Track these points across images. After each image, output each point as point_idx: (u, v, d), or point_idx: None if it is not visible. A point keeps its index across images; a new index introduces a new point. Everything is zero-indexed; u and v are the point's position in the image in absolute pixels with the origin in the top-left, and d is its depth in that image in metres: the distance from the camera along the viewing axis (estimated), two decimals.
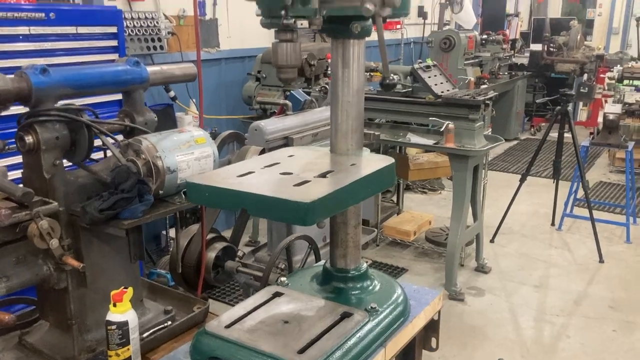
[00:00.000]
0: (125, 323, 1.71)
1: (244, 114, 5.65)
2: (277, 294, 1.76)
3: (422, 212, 5.60)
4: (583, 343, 3.76)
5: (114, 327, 1.70)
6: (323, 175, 1.48)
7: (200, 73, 2.23)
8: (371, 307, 1.66)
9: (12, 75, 1.70)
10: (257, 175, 1.49)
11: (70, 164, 1.86)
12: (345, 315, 1.63)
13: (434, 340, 1.98)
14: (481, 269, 4.76)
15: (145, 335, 1.99)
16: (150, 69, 2.06)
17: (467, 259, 4.93)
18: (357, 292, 1.78)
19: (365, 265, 1.84)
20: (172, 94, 4.68)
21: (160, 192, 1.82)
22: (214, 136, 4.98)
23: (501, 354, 3.53)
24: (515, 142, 9.35)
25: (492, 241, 5.33)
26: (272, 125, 2.63)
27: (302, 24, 1.38)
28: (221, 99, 5.61)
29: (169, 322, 2.07)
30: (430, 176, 5.52)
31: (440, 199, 6.47)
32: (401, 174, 5.34)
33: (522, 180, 5.26)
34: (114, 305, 1.71)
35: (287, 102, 2.90)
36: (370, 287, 1.80)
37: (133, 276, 2.07)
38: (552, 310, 4.16)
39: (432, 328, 1.97)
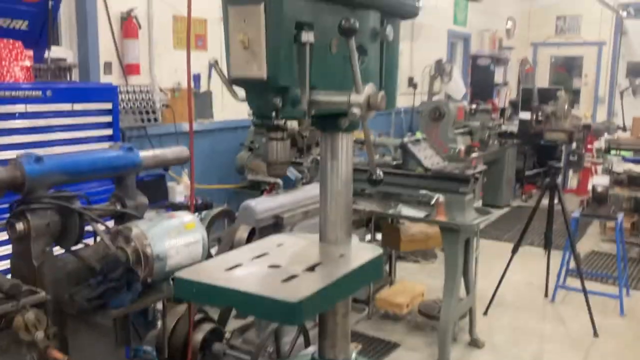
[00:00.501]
0: None
1: (235, 183, 5.69)
2: None
3: (415, 283, 5.56)
4: None
5: None
6: (311, 269, 1.48)
7: (192, 153, 2.27)
8: None
9: (6, 166, 1.72)
10: (245, 268, 1.50)
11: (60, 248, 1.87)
12: None
13: None
14: (475, 344, 4.69)
15: None
16: (142, 153, 2.10)
17: (461, 333, 4.86)
18: None
19: (354, 355, 1.81)
20: None
21: (149, 279, 1.81)
22: (204, 206, 5.00)
23: None
24: (506, 209, 9.40)
25: (485, 314, 5.27)
26: (263, 205, 2.66)
27: (291, 124, 1.42)
28: (213, 168, 5.67)
29: None
30: (422, 247, 5.52)
31: (433, 269, 6.43)
32: (393, 244, 5.34)
33: (514, 252, 5.26)
34: None
35: (278, 180, 2.94)
36: None
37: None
38: None
39: None
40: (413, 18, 1.80)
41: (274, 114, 1.38)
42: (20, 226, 1.73)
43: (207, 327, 2.59)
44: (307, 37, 1.37)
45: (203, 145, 5.52)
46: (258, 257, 1.59)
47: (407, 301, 5.06)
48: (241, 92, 1.46)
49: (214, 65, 1.48)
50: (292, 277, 1.43)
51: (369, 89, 1.39)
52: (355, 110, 1.35)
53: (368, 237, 5.31)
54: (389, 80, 1.76)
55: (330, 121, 1.62)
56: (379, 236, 5.71)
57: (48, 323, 1.72)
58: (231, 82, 1.39)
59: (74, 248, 1.90)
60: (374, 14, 1.62)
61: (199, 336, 2.55)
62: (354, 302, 3.19)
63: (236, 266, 1.51)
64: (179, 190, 4.88)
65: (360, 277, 1.54)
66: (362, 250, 1.66)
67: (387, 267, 5.88)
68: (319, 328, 1.78)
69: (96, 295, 1.66)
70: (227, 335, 2.61)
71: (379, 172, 1.51)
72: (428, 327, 4.98)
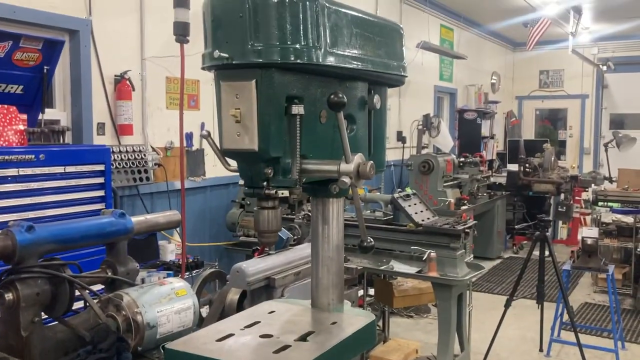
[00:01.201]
0: None
1: (227, 240, 5.67)
2: None
3: (409, 339, 5.49)
4: None
5: None
6: (303, 338, 1.48)
7: (184, 212, 2.28)
8: None
9: None
10: (236, 339, 1.49)
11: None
12: None
13: None
14: None
15: None
16: (134, 219, 2.11)
17: None
18: None
19: None
20: None
21: (139, 348, 1.79)
22: (195, 265, 4.95)
23: None
24: (498, 260, 9.40)
25: None
26: (254, 267, 2.64)
27: (282, 193, 1.45)
28: (205, 226, 5.66)
29: None
30: (415, 303, 5.49)
31: (427, 323, 6.37)
32: (385, 300, 5.31)
33: (507, 306, 5.23)
34: None
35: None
36: None
37: None
38: None
39: None
40: (400, 86, 1.86)
41: (265, 183, 1.41)
42: (9, 296, 1.71)
43: None
44: (297, 109, 1.42)
45: (195, 202, 5.54)
46: (249, 326, 1.58)
47: (401, 359, 4.98)
48: (233, 162, 1.49)
49: (206, 137, 1.51)
50: (285, 347, 1.43)
51: (358, 158, 1.43)
52: (345, 179, 1.38)
53: (361, 292, 5.27)
54: (378, 145, 1.80)
55: (321, 187, 1.65)
56: (371, 291, 5.68)
57: None
58: (223, 153, 1.42)
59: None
60: (361, 85, 1.67)
61: None
62: None
63: (227, 336, 1.50)
64: (170, 248, 4.86)
65: (353, 345, 1.53)
66: (355, 317, 1.66)
67: (380, 324, 5.82)
68: None
69: None
70: None
71: (369, 239, 1.52)
72: None
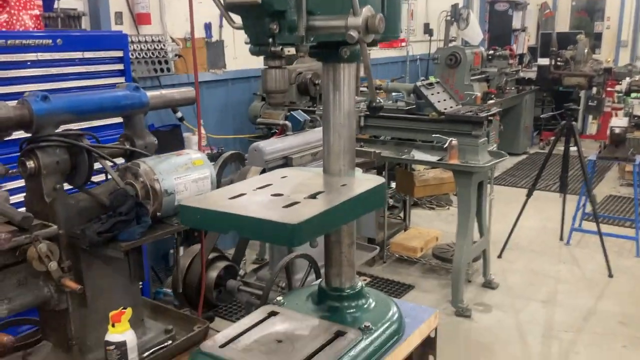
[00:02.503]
0: (124, 343, 1.74)
1: (250, 133, 5.71)
2: (272, 313, 1.79)
3: (430, 229, 5.60)
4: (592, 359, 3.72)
5: (112, 347, 1.73)
6: (313, 196, 1.51)
7: (199, 96, 2.28)
8: (365, 326, 1.68)
9: (14, 103, 1.75)
10: (248, 197, 1.53)
11: (72, 187, 1.91)
12: (339, 334, 1.65)
13: (431, 357, 1.99)
14: (489, 285, 4.75)
15: (145, 355, 2.01)
16: (150, 93, 2.11)
17: (475, 275, 4.92)
18: (351, 310, 1.80)
19: (360, 283, 1.86)
20: (179, 114, 4.75)
21: (158, 213, 1.86)
22: (219, 155, 5.05)
23: None
24: (524, 156, 9.33)
25: (499, 257, 5.31)
26: (271, 146, 2.68)
27: (289, 51, 1.42)
28: (228, 119, 5.68)
29: (169, 342, 2.09)
30: (436, 192, 5.53)
31: (448, 215, 6.46)
32: (406, 190, 5.36)
33: (528, 195, 5.24)
34: (113, 325, 1.74)
35: (286, 122, 2.94)
36: (365, 306, 1.82)
37: (134, 296, 2.10)
38: (560, 327, 4.13)
39: (429, 345, 1.98)
40: None
41: (270, 40, 1.38)
42: (30, 164, 1.77)
43: (221, 265, 2.66)
44: None
45: (217, 95, 5.53)
46: (262, 187, 1.62)
47: (421, 245, 5.11)
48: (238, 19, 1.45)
49: None
50: (294, 203, 1.46)
51: (366, 11, 1.38)
52: (353, 33, 1.35)
53: None
54: (391, 4, 1.71)
55: (332, 52, 1.62)
56: (393, 185, 5.73)
57: (62, 256, 1.78)
58: (227, 7, 1.39)
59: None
60: None
61: (213, 273, 2.62)
62: (366, 247, 3.24)
63: (240, 195, 1.54)
64: (194, 140, 4.92)
65: (361, 204, 1.56)
66: (365, 180, 1.68)
67: (401, 215, 5.92)
68: (325, 257, 1.83)
69: (106, 229, 1.71)
70: (241, 272, 2.67)
71: (379, 100, 1.50)
72: (442, 270, 5.04)
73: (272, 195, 1.53)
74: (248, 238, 1.53)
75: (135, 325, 2.13)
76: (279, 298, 1.88)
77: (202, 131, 5.08)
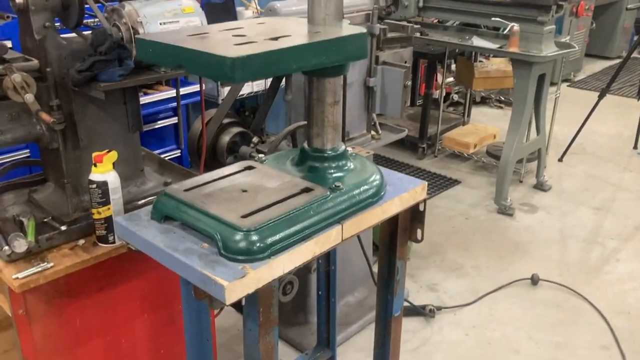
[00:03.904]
0: (105, 183, 1.78)
1: None
2: (249, 168, 1.76)
3: (489, 126, 5.32)
4: (633, 268, 3.51)
5: (94, 186, 1.78)
6: (275, 39, 1.41)
7: None
8: (335, 185, 1.62)
9: None
10: (209, 36, 1.45)
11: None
12: (306, 190, 1.60)
13: (419, 231, 1.92)
14: (540, 187, 4.52)
15: (142, 202, 2.08)
16: None
17: (528, 176, 4.69)
18: (330, 171, 1.73)
19: (343, 147, 1.77)
20: None
21: None
22: None
23: (538, 270, 3.39)
24: (618, 60, 8.51)
25: (560, 160, 5.00)
26: (287, 8, 2.54)
27: None
28: None
29: None
30: (498, 86, 5.19)
31: None
32: (466, 82, 5.07)
33: (600, 97, 4.82)
34: (95, 165, 1.78)
35: None
36: (345, 169, 1.75)
37: (133, 147, 2.14)
38: (607, 234, 3.90)
39: (418, 219, 1.91)
40: None
41: None
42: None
43: (235, 130, 2.65)
44: None
45: None
46: (230, 29, 1.53)
47: (475, 142, 4.89)
48: None
49: None
50: (250, 42, 1.37)
51: None
52: None
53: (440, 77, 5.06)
54: None
55: None
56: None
57: (51, 95, 1.81)
58: None
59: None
60: None
61: (226, 138, 2.62)
62: (393, 129, 3.10)
63: (202, 34, 1.47)
64: (247, 14, 4.81)
65: (332, 52, 1.44)
66: (343, 29, 1.55)
67: (461, 108, 5.66)
68: (307, 116, 1.75)
69: (86, 67, 1.70)
70: (255, 140, 2.65)
71: None
72: (494, 168, 4.83)
73: (233, 35, 1.45)
74: (193, 73, 1.47)
75: (133, 175, 2.19)
76: (260, 155, 1.85)
77: (255, 5, 4.96)
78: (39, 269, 1.69)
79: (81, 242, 1.87)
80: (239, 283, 1.31)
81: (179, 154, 3.92)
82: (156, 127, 3.76)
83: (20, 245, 1.69)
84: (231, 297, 1.30)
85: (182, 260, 1.38)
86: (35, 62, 1.73)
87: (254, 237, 1.38)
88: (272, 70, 1.33)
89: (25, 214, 1.91)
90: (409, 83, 2.86)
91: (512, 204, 4.17)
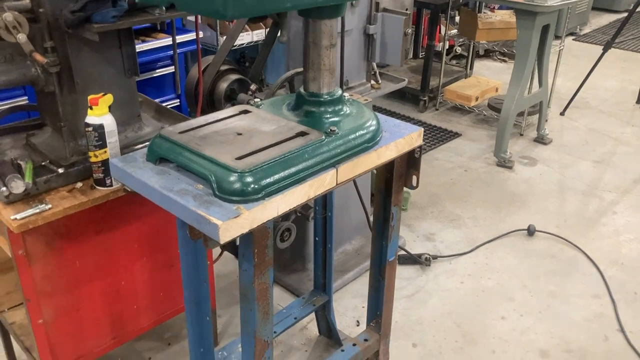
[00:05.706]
0: (101, 126, 1.79)
1: None
2: (244, 112, 1.76)
3: (491, 79, 5.27)
4: (629, 221, 3.54)
5: (90, 129, 1.78)
6: None
7: None
8: (330, 130, 1.62)
9: None
10: None
11: None
12: (301, 134, 1.61)
13: (414, 178, 1.93)
14: (540, 140, 4.51)
15: (139, 147, 2.08)
16: None
17: (529, 129, 4.67)
18: (326, 116, 1.73)
19: (340, 91, 1.76)
20: None
21: (136, 0, 1.80)
22: None
23: (535, 222, 3.41)
24: (625, 14, 8.33)
25: (562, 114, 4.98)
26: None
27: None
28: None
29: None
30: (501, 37, 5.10)
31: None
32: (469, 33, 5.00)
33: (605, 49, 4.75)
34: (91, 108, 1.78)
35: None
36: (341, 113, 1.74)
37: (130, 91, 2.13)
38: (605, 187, 3.91)
39: (413, 166, 1.91)
40: None
41: None
42: None
43: (233, 77, 2.62)
44: None
45: None
46: None
47: (477, 94, 4.85)
48: None
49: None
50: None
51: None
52: None
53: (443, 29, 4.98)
54: None
55: None
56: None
57: (45, 37, 1.79)
58: None
59: None
60: None
61: (224, 84, 2.60)
62: (393, 79, 3.06)
63: None
64: None
65: None
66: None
67: (464, 61, 5.59)
68: (303, 60, 1.73)
69: (79, 8, 1.68)
70: (253, 87, 2.63)
71: None
72: (495, 121, 4.81)
73: None
74: (185, 10, 1.45)
75: (130, 120, 2.19)
76: (256, 100, 1.84)
77: None
78: (37, 210, 1.71)
79: (79, 185, 1.89)
80: (233, 223, 1.33)
81: (178, 103, 3.89)
82: (155, 75, 3.73)
83: (18, 186, 1.70)
84: (225, 236, 1.32)
85: (177, 201, 1.39)
86: (27, 2, 1.71)
87: (248, 179, 1.39)
88: (265, 6, 1.30)
89: (23, 157, 1.92)
90: (410, 31, 2.81)
91: (512, 156, 4.17)
